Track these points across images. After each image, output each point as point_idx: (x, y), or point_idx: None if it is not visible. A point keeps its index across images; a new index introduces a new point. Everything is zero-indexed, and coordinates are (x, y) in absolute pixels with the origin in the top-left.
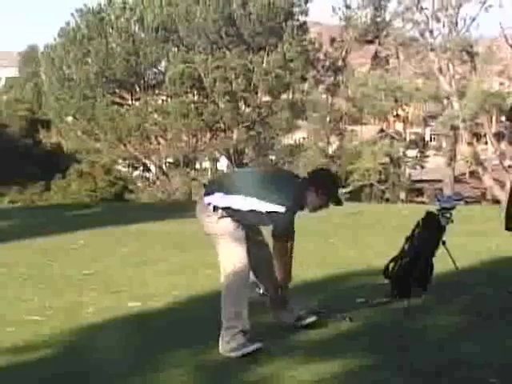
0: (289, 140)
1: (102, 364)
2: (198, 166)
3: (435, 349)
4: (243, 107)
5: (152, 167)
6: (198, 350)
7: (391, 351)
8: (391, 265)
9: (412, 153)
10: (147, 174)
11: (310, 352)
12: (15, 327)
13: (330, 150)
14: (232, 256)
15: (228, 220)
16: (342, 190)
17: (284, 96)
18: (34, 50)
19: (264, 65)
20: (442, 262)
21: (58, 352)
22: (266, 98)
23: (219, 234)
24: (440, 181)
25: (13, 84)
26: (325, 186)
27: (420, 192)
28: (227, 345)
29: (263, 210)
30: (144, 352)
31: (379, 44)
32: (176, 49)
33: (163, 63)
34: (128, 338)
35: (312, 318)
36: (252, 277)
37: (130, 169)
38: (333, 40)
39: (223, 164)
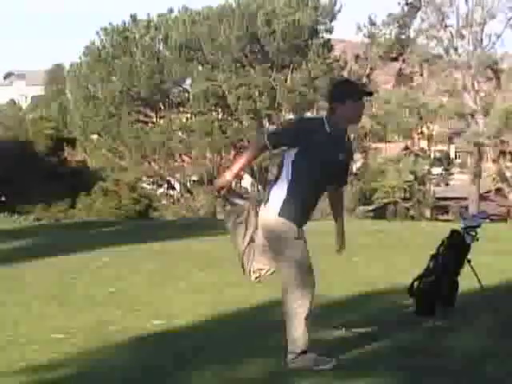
0: None
1: (127, 383)
2: None
3: (460, 371)
4: (267, 125)
5: (176, 185)
6: (224, 370)
7: (416, 373)
8: (416, 283)
9: (437, 170)
10: (171, 192)
11: (335, 372)
12: (40, 346)
13: (355, 168)
14: None
15: None
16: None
17: (308, 113)
18: (59, 68)
19: (288, 82)
20: (467, 281)
21: (83, 370)
22: (290, 116)
23: None
24: (465, 198)
25: (38, 102)
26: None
27: (445, 209)
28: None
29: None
30: (168, 371)
31: (403, 61)
32: (200, 67)
33: (187, 81)
34: (152, 356)
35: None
36: None
37: (155, 186)
38: (357, 57)
39: (247, 181)
